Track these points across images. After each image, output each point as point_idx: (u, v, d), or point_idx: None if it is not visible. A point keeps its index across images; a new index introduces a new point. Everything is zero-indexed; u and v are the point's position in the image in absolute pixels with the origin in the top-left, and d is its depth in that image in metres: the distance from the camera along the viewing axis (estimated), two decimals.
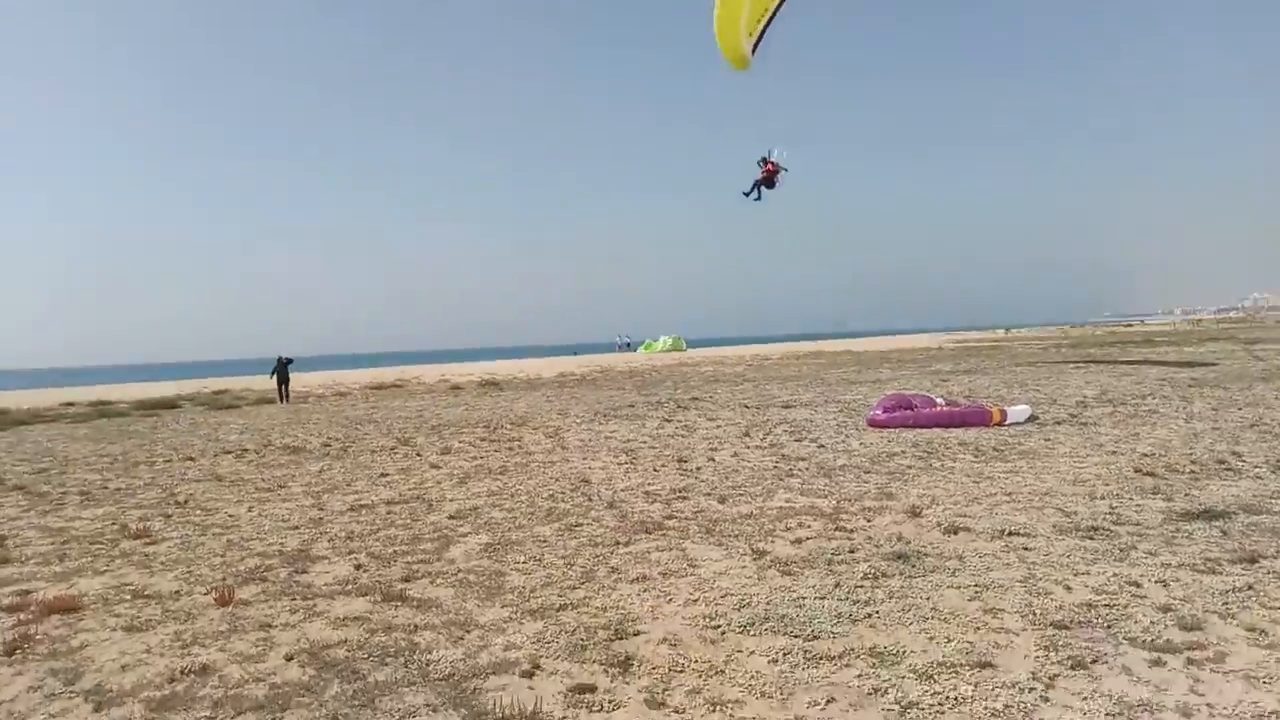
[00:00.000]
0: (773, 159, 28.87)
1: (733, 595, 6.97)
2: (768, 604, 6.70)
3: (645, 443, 16.46)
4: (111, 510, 11.80)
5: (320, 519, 10.73)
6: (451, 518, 10.44)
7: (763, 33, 27.33)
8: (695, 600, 6.89)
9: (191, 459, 16.84)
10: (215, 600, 7.37)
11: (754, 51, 27.66)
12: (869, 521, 9.33)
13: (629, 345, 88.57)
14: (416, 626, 6.56)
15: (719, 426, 18.56)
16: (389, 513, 10.93)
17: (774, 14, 27.10)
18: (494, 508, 10.95)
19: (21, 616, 7.15)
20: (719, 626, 6.27)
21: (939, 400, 18.22)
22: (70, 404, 34.10)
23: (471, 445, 17.22)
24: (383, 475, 13.92)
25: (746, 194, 29.32)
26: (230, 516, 11.09)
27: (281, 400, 33.17)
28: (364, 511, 11.07)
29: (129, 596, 7.66)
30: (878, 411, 17.77)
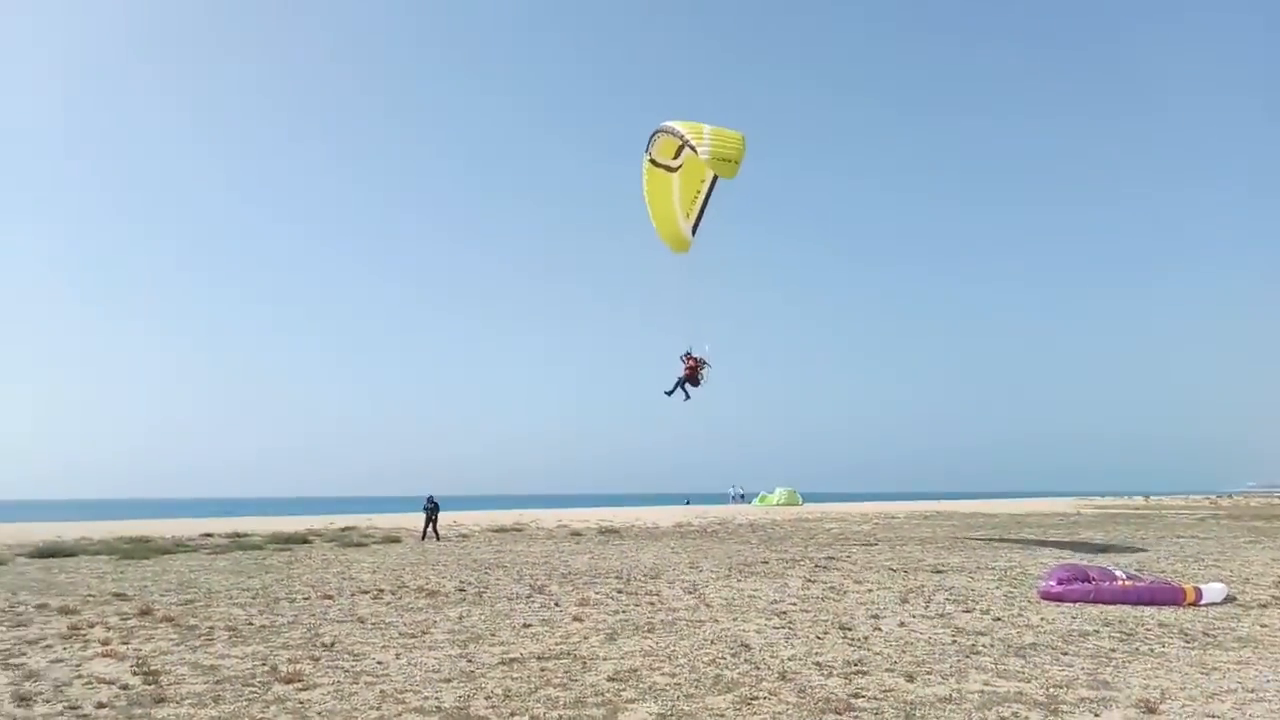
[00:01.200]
0: (695, 355, 28.09)
1: None
2: None
3: (795, 605, 15.36)
4: (260, 649, 11.51)
5: (472, 672, 10.12)
6: (611, 679, 9.67)
7: (700, 215, 28.26)
8: None
9: (329, 597, 16.64)
10: None
11: (694, 233, 28.63)
12: (1096, 717, 8.10)
13: (743, 497, 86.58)
14: None
15: (870, 590, 17.27)
16: (542, 669, 10.24)
17: (708, 195, 27.70)
18: (652, 671, 10.14)
19: None
20: None
21: (1119, 574, 16.53)
22: (209, 535, 35.06)
23: (609, 598, 16.47)
24: (525, 626, 13.30)
25: (669, 393, 28.52)
26: (379, 664, 10.62)
27: (428, 538, 33.70)
28: (515, 666, 10.42)
29: None
30: (1051, 583, 16.20)
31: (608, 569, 21.88)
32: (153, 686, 9.34)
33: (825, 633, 12.57)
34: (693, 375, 28.14)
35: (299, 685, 9.44)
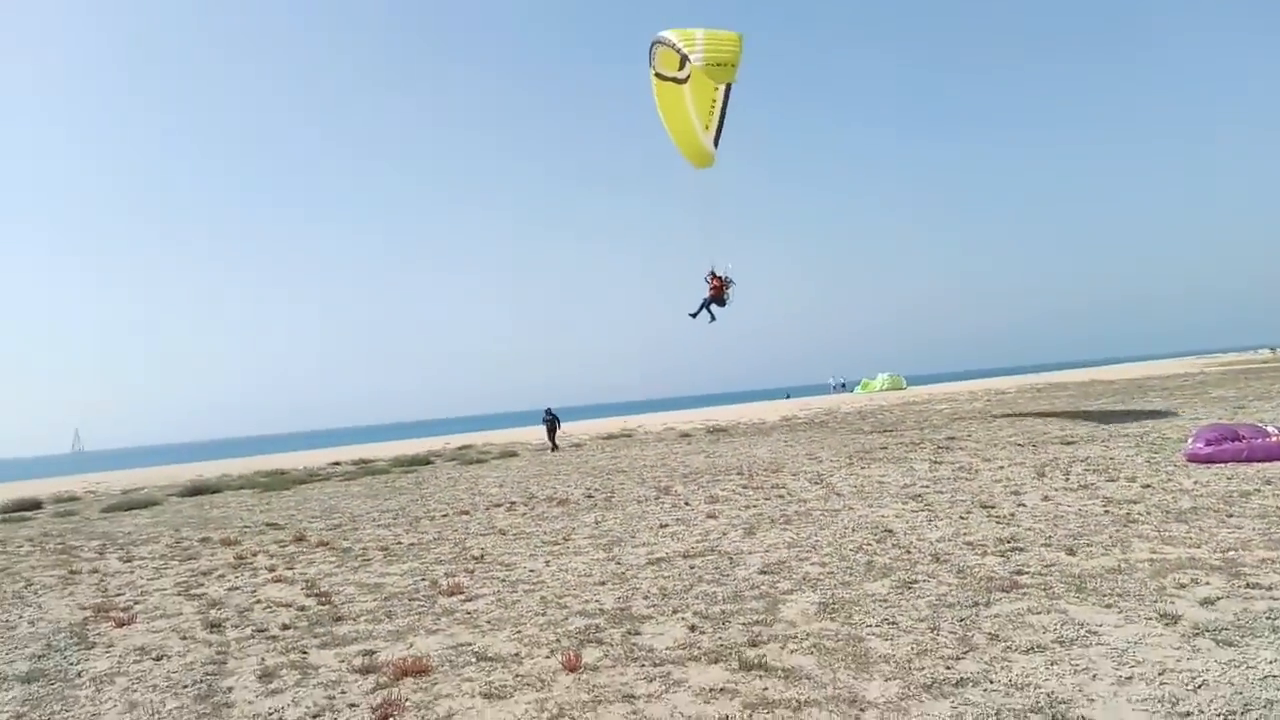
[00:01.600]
0: (719, 274, 27.52)
1: (1174, 672, 5.74)
2: (1231, 685, 5.43)
3: (927, 487, 15.12)
4: (415, 566, 12.00)
5: (622, 574, 10.33)
6: (762, 573, 9.71)
7: (720, 126, 26.61)
8: (1129, 679, 5.72)
9: (466, 513, 17.22)
10: (563, 665, 6.99)
11: (715, 145, 27.13)
12: None
13: (844, 385, 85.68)
14: (799, 703, 5.82)
15: (1002, 468, 16.87)
16: (691, 567, 10.37)
17: (724, 105, 25.83)
18: (801, 561, 10.14)
19: (377, 679, 7.06)
20: (1190, 715, 5.09)
21: (1271, 430, 15.66)
22: (337, 463, 36.77)
23: (736, 494, 16.54)
24: (662, 526, 13.48)
25: (693, 315, 27.92)
26: (531, 572, 10.93)
27: (553, 449, 34.79)
28: (664, 566, 10.58)
29: (473, 658, 7.43)
30: (1199, 444, 15.49)
31: (726, 466, 22.00)
32: (327, 607, 9.85)
33: (968, 513, 12.33)
34: (718, 295, 27.50)
35: (462, 597, 9.80)
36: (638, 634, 7.80)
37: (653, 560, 10.94)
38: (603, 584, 9.93)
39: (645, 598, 9.09)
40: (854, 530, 11.77)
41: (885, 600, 8.18)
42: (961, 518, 11.99)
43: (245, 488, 29.16)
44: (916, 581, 8.74)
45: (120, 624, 9.83)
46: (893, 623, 7.42)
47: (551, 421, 36.16)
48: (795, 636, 7.27)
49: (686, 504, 15.76)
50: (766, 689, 6.13)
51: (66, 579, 13.39)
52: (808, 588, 8.88)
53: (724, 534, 12.38)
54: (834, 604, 8.19)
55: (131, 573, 13.47)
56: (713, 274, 27.61)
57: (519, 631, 8.20)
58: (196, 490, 29.04)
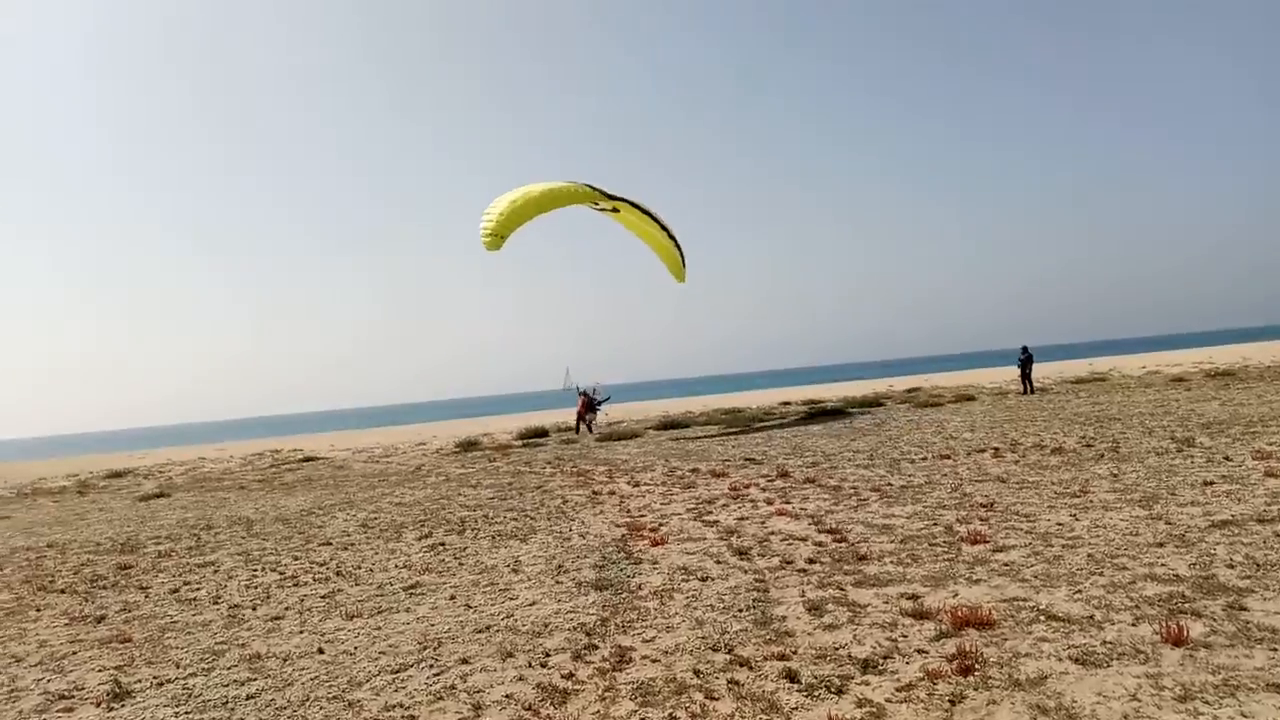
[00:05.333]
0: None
1: None
2: None
3: None
4: (918, 509, 11.51)
5: (1183, 535, 8.83)
6: None
7: (678, 247, 29.93)
8: None
9: (946, 457, 16.37)
10: (1164, 638, 5.99)
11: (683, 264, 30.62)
12: None
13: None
14: None
15: None
16: (1276, 533, 8.54)
17: (665, 229, 29.35)
18: None
19: (937, 626, 6.68)
20: None
21: None
22: (787, 403, 37.87)
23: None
24: (1206, 484, 11.42)
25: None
26: (1059, 525, 9.84)
27: (1028, 391, 32.53)
28: (1235, 530, 8.85)
29: (1038, 616, 6.73)
30: None
31: (1259, 416, 18.34)
32: (845, 544, 9.77)
33: None
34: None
35: (988, 546, 9.09)
36: (1243, 609, 6.48)
37: (1217, 523, 9.22)
38: (1160, 546, 8.56)
39: (1230, 566, 7.61)
40: None
41: None
42: None
43: (710, 424, 31.18)
44: None
45: (655, 543, 10.72)
46: None
47: (1026, 361, 33.08)
48: None
49: (1226, 459, 13.29)
50: None
51: (592, 499, 15.14)
52: None
53: None
54: None
55: (643, 497, 14.82)
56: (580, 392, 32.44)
57: (1078, 591, 7.29)
58: (669, 424, 31.71)
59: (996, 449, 16.86)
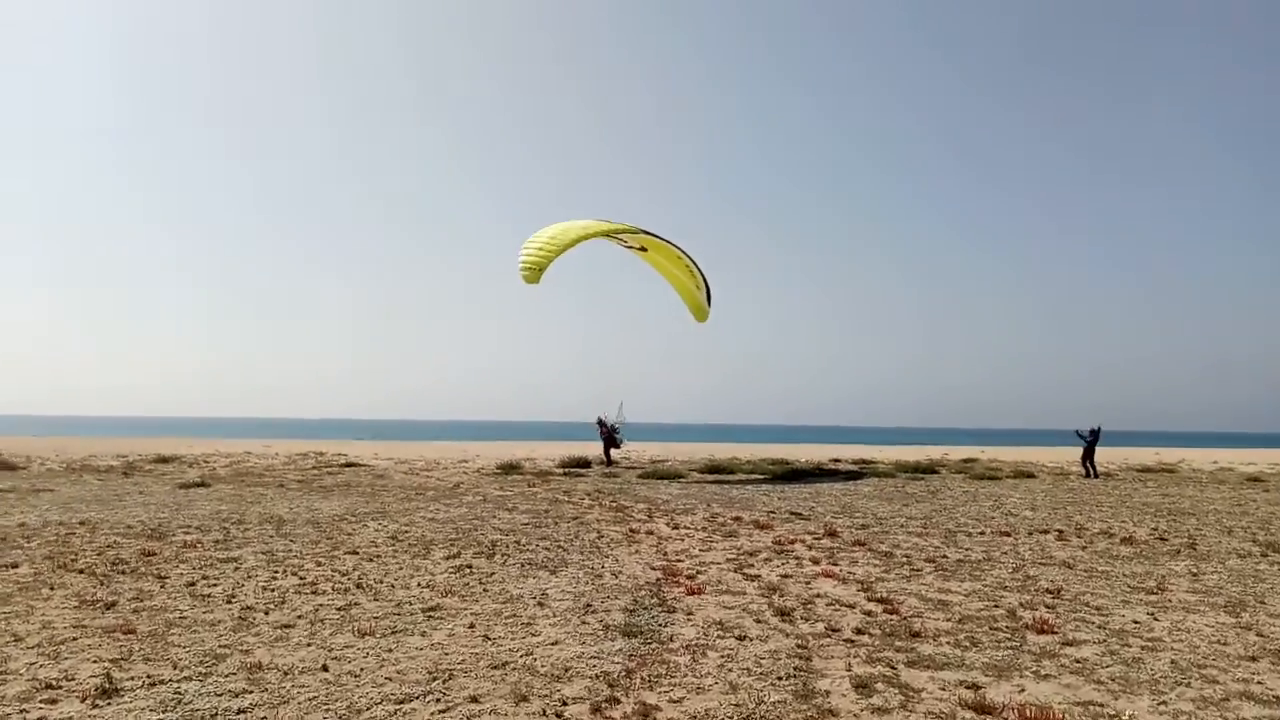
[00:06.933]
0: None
1: None
2: None
3: None
4: (976, 587, 10.68)
5: None
6: None
7: (705, 284, 30.09)
8: None
9: (1006, 534, 15.43)
10: None
11: (709, 302, 30.68)
12: None
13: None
14: None
15: None
16: None
17: (695, 266, 29.27)
18: None
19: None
20: None
21: None
22: (837, 460, 36.83)
23: None
24: None
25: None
26: (1135, 623, 8.94)
27: (1090, 475, 30.96)
28: None
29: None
30: None
31: None
32: (896, 618, 9.01)
33: None
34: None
35: (1057, 639, 8.28)
36: None
37: None
38: (1253, 660, 7.68)
39: None
40: None
41: None
42: None
43: (755, 473, 30.38)
44: None
45: (691, 591, 10.08)
46: None
47: (1091, 441, 31.54)
48: None
49: None
50: None
51: (628, 536, 14.54)
52: None
53: None
54: None
55: (682, 540, 14.18)
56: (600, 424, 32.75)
57: (1163, 703, 6.48)
58: (713, 469, 31.00)
59: (1060, 531, 15.86)
